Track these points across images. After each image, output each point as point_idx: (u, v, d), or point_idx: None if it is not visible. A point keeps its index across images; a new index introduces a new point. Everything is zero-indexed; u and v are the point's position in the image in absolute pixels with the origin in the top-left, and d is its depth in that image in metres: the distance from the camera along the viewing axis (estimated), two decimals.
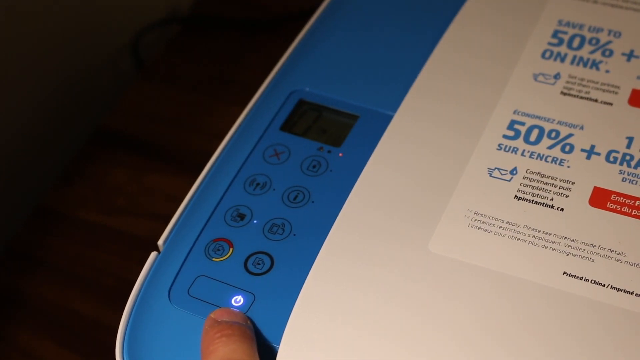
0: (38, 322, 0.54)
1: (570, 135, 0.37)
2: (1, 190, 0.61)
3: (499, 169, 0.36)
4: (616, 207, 0.34)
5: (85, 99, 0.67)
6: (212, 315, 0.33)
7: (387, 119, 0.39)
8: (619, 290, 0.32)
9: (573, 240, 0.33)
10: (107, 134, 0.63)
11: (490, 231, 0.34)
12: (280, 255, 0.35)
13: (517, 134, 0.37)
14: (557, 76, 0.39)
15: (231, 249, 0.36)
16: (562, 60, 0.40)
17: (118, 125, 0.63)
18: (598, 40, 0.40)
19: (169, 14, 0.71)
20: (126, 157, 0.61)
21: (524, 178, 0.36)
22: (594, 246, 0.33)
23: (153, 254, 0.37)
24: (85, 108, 0.67)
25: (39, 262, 0.56)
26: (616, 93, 0.38)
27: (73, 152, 0.62)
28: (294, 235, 0.36)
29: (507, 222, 0.34)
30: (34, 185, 0.63)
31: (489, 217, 0.35)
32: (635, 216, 0.34)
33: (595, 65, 0.39)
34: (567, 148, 0.36)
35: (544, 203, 0.35)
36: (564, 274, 0.33)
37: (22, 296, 0.55)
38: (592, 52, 0.40)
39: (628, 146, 0.36)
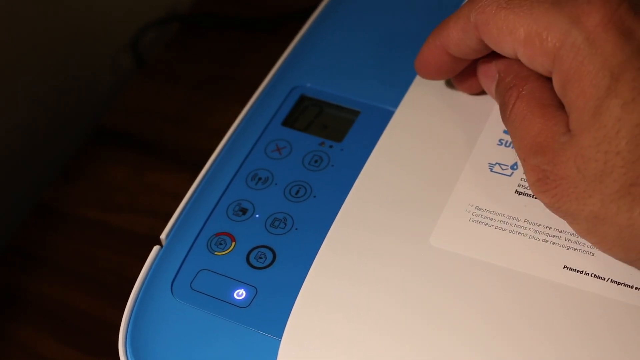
0: (39, 319, 0.54)
1: None
2: (1, 188, 0.61)
3: (499, 164, 0.36)
4: None
5: (86, 97, 0.68)
6: None
7: (389, 115, 0.39)
8: (619, 283, 0.32)
9: (573, 235, 0.33)
10: (107, 132, 0.63)
11: (491, 225, 0.34)
12: (282, 249, 0.36)
13: None
14: None
15: (233, 243, 0.36)
16: None
17: (118, 123, 0.63)
18: None
19: (169, 13, 0.71)
20: (126, 155, 0.61)
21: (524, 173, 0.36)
22: None
23: (155, 248, 0.37)
24: (85, 106, 0.67)
25: (39, 260, 0.56)
26: None
27: (73, 150, 0.62)
28: (296, 229, 0.36)
29: (508, 217, 0.34)
30: (35, 183, 0.63)
31: (489, 212, 0.35)
32: None
33: None
34: None
35: None
36: (564, 267, 0.33)
37: (23, 294, 0.55)
38: None
39: None
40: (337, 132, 0.39)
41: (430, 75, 0.37)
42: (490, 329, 0.32)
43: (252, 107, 0.41)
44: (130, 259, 0.54)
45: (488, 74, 0.36)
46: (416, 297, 0.33)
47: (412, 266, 0.34)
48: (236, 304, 0.34)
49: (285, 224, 0.36)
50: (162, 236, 0.37)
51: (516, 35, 0.31)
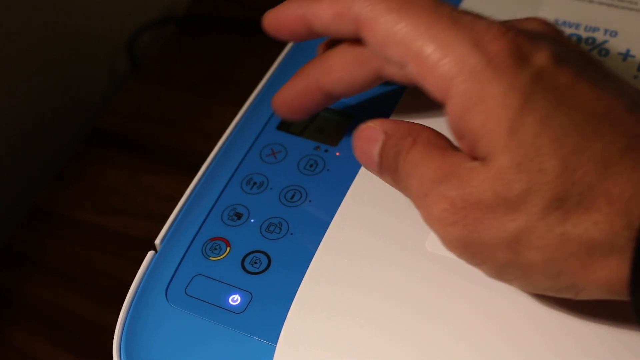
0: (34, 322, 0.54)
1: None
2: None
3: None
4: None
5: (81, 99, 0.67)
6: None
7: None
8: None
9: None
10: (102, 134, 0.63)
11: None
12: (277, 254, 0.35)
13: None
14: None
15: (228, 248, 0.36)
16: None
17: (114, 125, 0.63)
18: (594, 40, 0.40)
19: (165, 14, 0.71)
20: (122, 157, 0.61)
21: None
22: None
23: (150, 253, 0.37)
24: (80, 108, 0.67)
25: (34, 262, 0.56)
26: None
27: (68, 152, 0.62)
28: (291, 234, 0.36)
29: None
30: (29, 186, 0.63)
31: None
32: None
33: None
34: None
35: None
36: None
37: (18, 297, 0.55)
38: (588, 51, 0.40)
39: None
40: (332, 136, 0.39)
41: (279, 33, 0.35)
42: (486, 333, 0.32)
43: (247, 110, 0.41)
44: (125, 262, 0.54)
45: (371, 137, 0.32)
46: (412, 302, 0.33)
47: (407, 271, 0.34)
48: (231, 310, 0.34)
49: (281, 229, 0.36)
50: (157, 241, 0.37)
51: (409, 46, 0.30)
